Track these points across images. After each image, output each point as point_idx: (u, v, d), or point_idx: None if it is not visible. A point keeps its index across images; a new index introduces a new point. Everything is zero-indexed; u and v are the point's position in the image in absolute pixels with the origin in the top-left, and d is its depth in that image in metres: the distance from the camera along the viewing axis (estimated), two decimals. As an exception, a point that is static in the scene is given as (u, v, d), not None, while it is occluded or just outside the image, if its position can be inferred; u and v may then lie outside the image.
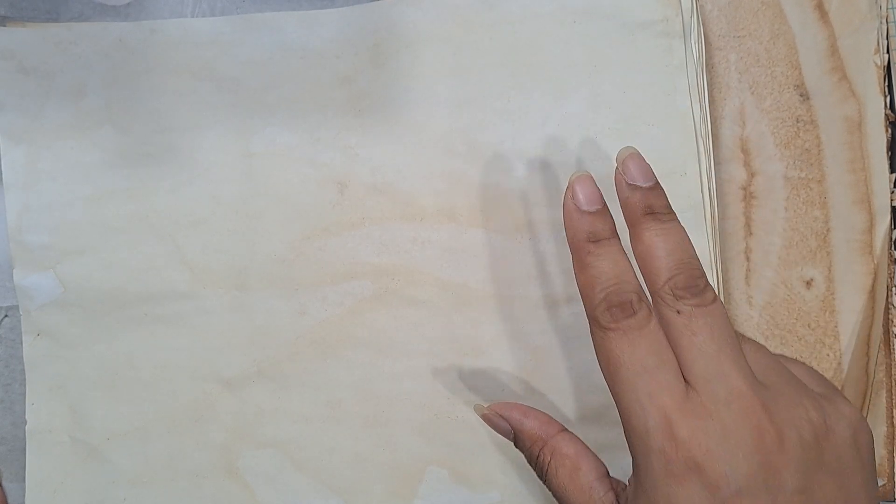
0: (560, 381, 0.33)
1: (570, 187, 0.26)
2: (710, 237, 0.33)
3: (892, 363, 0.34)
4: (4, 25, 0.34)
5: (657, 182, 0.26)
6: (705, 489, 0.23)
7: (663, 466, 0.23)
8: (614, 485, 0.27)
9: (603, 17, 0.33)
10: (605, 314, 0.25)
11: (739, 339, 0.26)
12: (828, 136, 0.35)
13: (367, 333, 0.34)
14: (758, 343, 0.27)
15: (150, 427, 0.34)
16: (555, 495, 0.27)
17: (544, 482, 0.28)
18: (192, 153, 0.34)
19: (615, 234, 0.26)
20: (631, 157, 0.26)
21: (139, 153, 0.34)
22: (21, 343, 0.34)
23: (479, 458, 0.33)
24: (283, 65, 0.34)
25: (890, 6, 0.34)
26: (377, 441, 0.33)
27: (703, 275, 0.25)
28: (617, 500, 0.26)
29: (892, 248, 0.34)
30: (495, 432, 0.29)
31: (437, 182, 0.34)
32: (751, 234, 0.35)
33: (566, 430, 0.28)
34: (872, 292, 0.34)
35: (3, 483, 0.35)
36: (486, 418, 0.29)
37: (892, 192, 0.34)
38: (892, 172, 0.34)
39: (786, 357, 0.28)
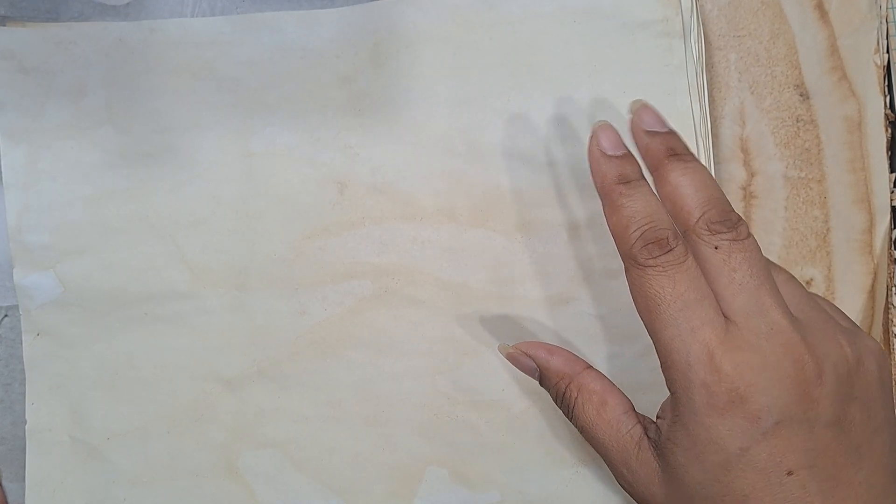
0: (560, 380, 0.33)
1: (594, 135, 0.27)
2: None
3: (893, 363, 0.34)
4: (4, 25, 0.34)
5: (673, 129, 0.27)
6: (746, 420, 0.23)
7: (705, 399, 0.24)
8: (641, 419, 0.27)
9: (603, 17, 0.33)
10: (642, 251, 0.25)
11: (771, 268, 0.26)
12: (828, 135, 0.35)
13: (367, 333, 0.34)
14: (788, 273, 0.28)
15: (150, 427, 0.34)
16: (582, 432, 0.28)
17: (571, 419, 0.28)
18: (192, 153, 0.34)
19: (643, 177, 0.27)
20: (644, 107, 0.27)
21: (139, 153, 0.34)
22: (21, 343, 0.34)
23: (479, 458, 0.33)
24: (283, 65, 0.34)
25: (890, 6, 0.34)
26: (377, 441, 0.33)
27: (734, 209, 0.26)
28: (645, 434, 0.26)
29: (893, 247, 0.34)
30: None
31: (437, 182, 0.34)
32: (751, 233, 0.35)
33: (592, 367, 0.29)
34: (872, 292, 0.34)
35: (3, 482, 0.35)
36: (512, 357, 0.30)
37: (892, 192, 0.34)
38: (892, 172, 0.34)
39: (813, 294, 0.28)
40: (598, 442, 0.27)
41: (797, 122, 0.35)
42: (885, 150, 0.34)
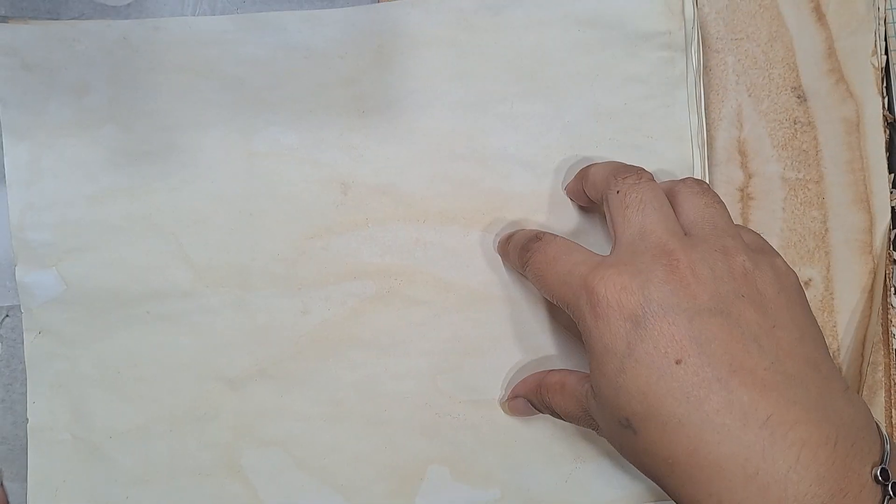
0: (562, 379, 0.33)
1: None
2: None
3: (891, 363, 0.34)
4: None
5: None
6: (624, 320, 0.25)
7: (588, 311, 0.26)
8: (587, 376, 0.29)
9: (606, 28, 0.33)
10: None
11: (680, 186, 0.29)
12: (825, 137, 0.35)
13: (370, 333, 0.34)
14: (700, 187, 0.29)
15: (152, 426, 0.33)
16: (569, 419, 0.30)
17: (559, 417, 0.30)
18: (195, 152, 0.34)
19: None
20: None
21: (142, 151, 0.34)
22: (22, 343, 0.34)
23: (480, 456, 0.33)
24: (287, 64, 0.34)
25: (888, 7, 0.35)
26: (379, 440, 0.33)
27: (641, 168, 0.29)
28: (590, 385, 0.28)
29: (891, 248, 0.34)
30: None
31: (439, 184, 0.34)
32: (750, 234, 0.35)
33: (551, 370, 0.31)
34: (871, 292, 0.34)
35: (5, 482, 0.34)
36: (512, 409, 0.33)
37: (892, 193, 0.34)
38: (890, 173, 0.35)
39: (744, 227, 0.30)
40: (578, 419, 0.29)
41: (794, 123, 0.35)
42: (883, 150, 0.34)
